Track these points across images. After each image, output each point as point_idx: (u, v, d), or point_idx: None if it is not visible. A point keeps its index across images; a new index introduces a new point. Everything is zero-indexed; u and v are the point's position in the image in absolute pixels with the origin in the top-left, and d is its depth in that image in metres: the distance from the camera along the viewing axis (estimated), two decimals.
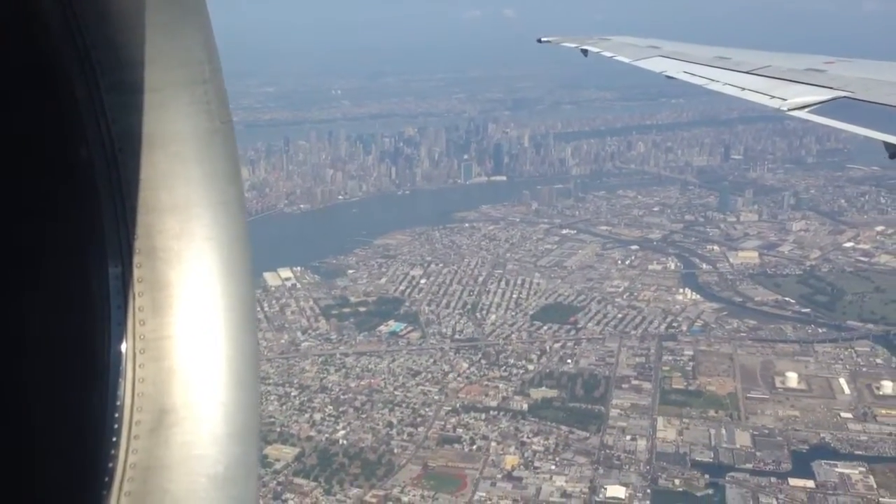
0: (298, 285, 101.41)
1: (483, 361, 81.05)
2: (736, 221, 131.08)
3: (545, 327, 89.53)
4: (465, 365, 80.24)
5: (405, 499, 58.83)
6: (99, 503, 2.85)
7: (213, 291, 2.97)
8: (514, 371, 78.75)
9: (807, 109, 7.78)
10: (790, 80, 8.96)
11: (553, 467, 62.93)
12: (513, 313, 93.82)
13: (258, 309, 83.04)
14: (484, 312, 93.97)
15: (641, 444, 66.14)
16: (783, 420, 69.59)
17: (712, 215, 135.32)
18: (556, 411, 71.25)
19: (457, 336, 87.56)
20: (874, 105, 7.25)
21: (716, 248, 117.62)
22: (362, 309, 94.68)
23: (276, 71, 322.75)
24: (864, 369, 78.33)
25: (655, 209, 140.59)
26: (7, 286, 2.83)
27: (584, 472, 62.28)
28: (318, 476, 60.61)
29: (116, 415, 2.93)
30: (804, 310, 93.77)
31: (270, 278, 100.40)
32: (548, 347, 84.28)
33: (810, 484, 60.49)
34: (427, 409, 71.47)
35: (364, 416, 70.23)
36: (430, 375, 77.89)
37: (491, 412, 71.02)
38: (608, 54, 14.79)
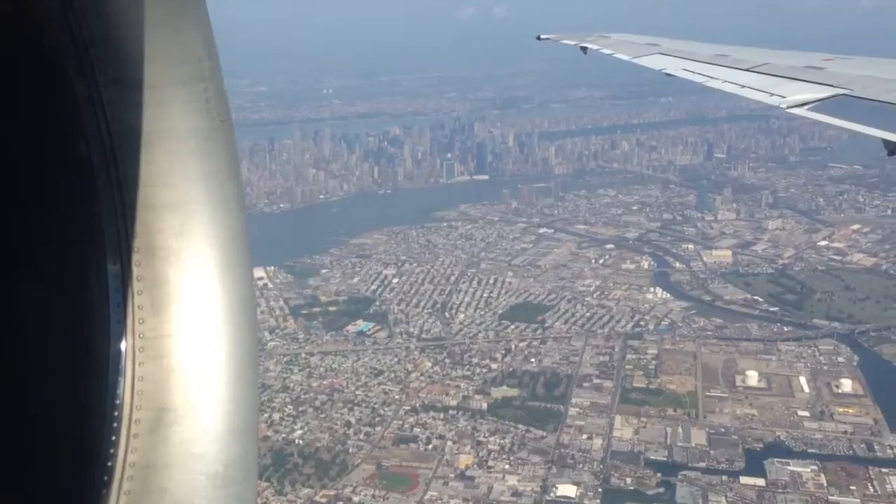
0: (270, 285, 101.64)
1: (447, 361, 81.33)
2: (713, 220, 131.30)
3: (512, 326, 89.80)
4: (429, 364, 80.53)
5: (356, 499, 59.15)
6: (98, 502, 2.84)
7: (213, 289, 2.97)
8: (478, 370, 79.04)
9: (806, 107, 7.83)
10: (789, 78, 9.01)
11: (507, 466, 63.22)
12: (482, 312, 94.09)
13: None
14: (453, 312, 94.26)
15: (597, 442, 66.43)
16: (740, 418, 69.87)
17: (690, 214, 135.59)
18: (516, 410, 71.53)
19: (424, 335, 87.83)
20: (873, 102, 7.29)
21: (690, 246, 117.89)
22: (332, 308, 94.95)
23: (269, 70, 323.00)
24: (826, 368, 78.63)
25: (634, 208, 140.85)
26: (6, 284, 2.83)
27: (537, 472, 62.58)
28: (270, 476, 60.84)
29: (116, 413, 2.92)
30: (772, 308, 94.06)
31: None
32: (513, 346, 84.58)
33: (761, 482, 60.80)
34: (386, 409, 71.77)
35: (323, 415, 70.52)
36: (392, 375, 78.20)
37: (450, 411, 71.31)
38: (607, 51, 14.84)
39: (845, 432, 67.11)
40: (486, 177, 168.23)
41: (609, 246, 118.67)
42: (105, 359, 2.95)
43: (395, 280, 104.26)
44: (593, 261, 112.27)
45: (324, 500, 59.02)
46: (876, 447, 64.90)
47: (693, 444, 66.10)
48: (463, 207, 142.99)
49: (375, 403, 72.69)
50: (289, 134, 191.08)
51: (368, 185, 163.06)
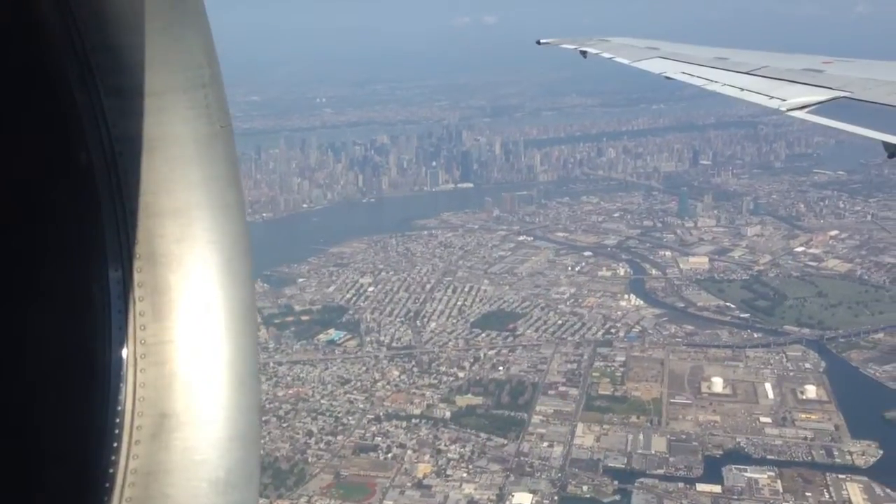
0: None
1: (415, 369, 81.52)
2: (693, 227, 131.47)
3: (483, 334, 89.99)
4: (397, 373, 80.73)
5: None
6: None
7: (214, 295, 2.97)
8: (444, 379, 79.20)
9: (806, 110, 7.79)
10: (789, 81, 8.96)
11: (465, 475, 63.34)
12: (454, 321, 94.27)
13: None
14: (425, 320, 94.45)
15: (557, 450, 66.54)
16: (702, 425, 69.97)
17: (671, 221, 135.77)
18: (479, 419, 71.66)
19: (394, 344, 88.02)
20: (873, 104, 7.26)
21: (668, 253, 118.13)
22: (305, 318, 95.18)
23: (263, 80, 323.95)
24: (792, 374, 78.72)
25: (616, 215, 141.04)
26: (8, 291, 2.82)
27: (494, 480, 62.69)
28: None
29: (117, 420, 2.93)
30: (743, 315, 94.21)
31: None
32: (482, 355, 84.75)
33: (717, 489, 60.88)
34: (350, 418, 71.93)
35: (286, 424, 70.66)
36: (359, 384, 78.39)
37: (413, 420, 71.43)
38: (607, 55, 14.75)
39: (805, 438, 67.20)
40: (471, 185, 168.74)
41: (587, 253, 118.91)
42: (107, 365, 2.96)
43: (370, 289, 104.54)
44: (570, 268, 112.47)
45: None
46: (835, 453, 65.00)
47: (653, 451, 66.21)
48: (445, 215, 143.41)
49: (339, 412, 72.85)
50: (277, 143, 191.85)
51: (352, 194, 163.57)
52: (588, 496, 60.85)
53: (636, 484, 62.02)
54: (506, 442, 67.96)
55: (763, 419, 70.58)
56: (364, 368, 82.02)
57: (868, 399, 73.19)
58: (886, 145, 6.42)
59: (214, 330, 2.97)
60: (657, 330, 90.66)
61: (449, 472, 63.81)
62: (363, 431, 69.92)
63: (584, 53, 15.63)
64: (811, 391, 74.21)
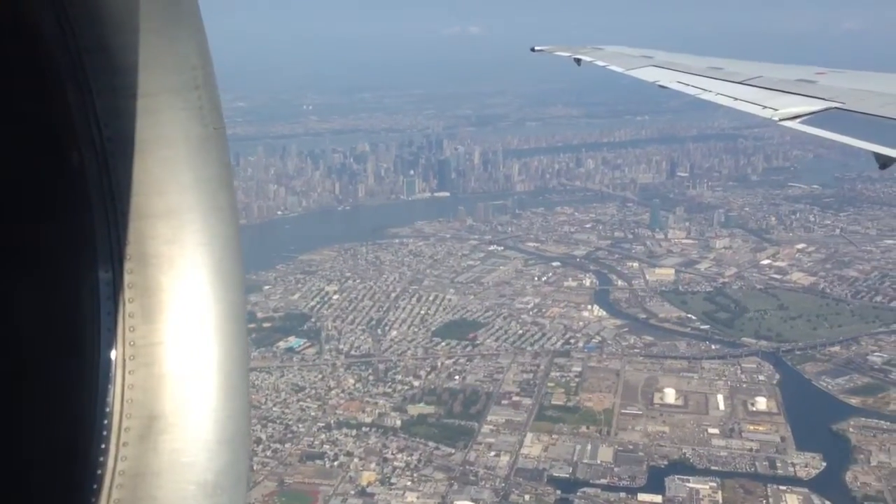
0: None
1: (371, 378, 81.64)
2: (663, 238, 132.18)
3: (443, 343, 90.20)
4: (352, 381, 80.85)
5: None
6: None
7: (205, 297, 2.95)
8: (399, 387, 79.35)
9: (798, 120, 7.79)
10: (782, 91, 8.95)
11: (409, 483, 63.47)
12: (415, 329, 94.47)
13: None
14: (387, 329, 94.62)
15: (504, 459, 66.74)
16: (650, 436, 70.31)
17: (641, 232, 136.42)
18: (430, 428, 71.81)
19: (353, 352, 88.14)
20: (865, 116, 7.27)
21: (635, 265, 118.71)
22: (266, 325, 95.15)
23: (252, 86, 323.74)
24: (745, 385, 79.21)
25: (588, 226, 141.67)
26: None
27: (438, 488, 62.84)
28: None
29: (105, 421, 2.89)
30: (703, 327, 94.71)
31: None
32: (439, 364, 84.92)
33: (658, 499, 61.13)
34: (300, 426, 71.98)
35: None
36: (313, 392, 78.45)
37: (363, 428, 71.55)
38: (601, 63, 14.69)
39: (751, 450, 67.63)
40: (447, 194, 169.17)
41: (555, 264, 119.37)
42: (95, 366, 2.93)
43: (335, 297, 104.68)
44: (536, 278, 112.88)
45: None
46: (778, 465, 65.43)
47: (599, 461, 66.47)
48: (418, 224, 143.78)
49: (290, 420, 72.88)
50: (262, 149, 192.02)
51: (328, 202, 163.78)
52: None
53: (578, 493, 62.25)
54: (453, 451, 68.11)
55: (711, 430, 70.99)
56: (320, 376, 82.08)
57: (817, 411, 73.74)
58: (877, 156, 6.41)
59: (204, 332, 2.95)
60: (616, 341, 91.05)
61: (393, 480, 63.92)
62: (312, 439, 69.97)
63: (578, 61, 15.68)
64: (761, 403, 74.68)
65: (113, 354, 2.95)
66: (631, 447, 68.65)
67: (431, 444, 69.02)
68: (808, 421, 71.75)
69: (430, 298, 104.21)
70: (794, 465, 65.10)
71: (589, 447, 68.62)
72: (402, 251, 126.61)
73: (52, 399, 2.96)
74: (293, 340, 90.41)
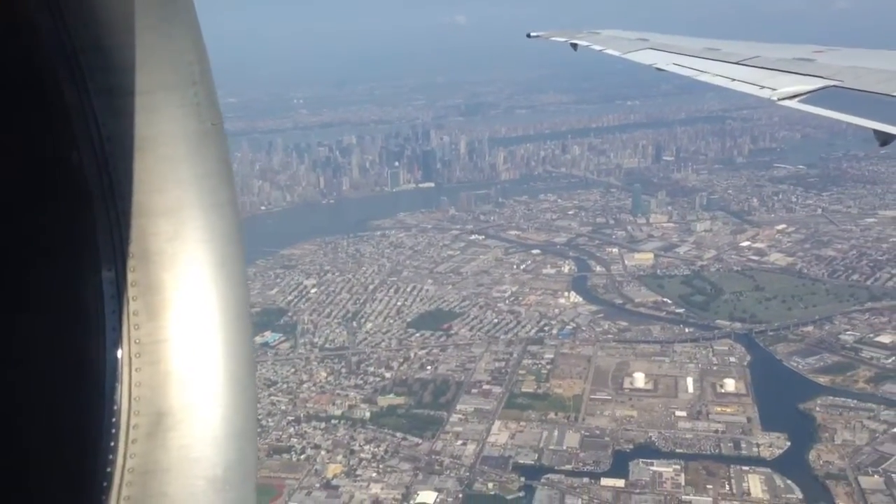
0: None
1: (343, 370, 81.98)
2: (645, 223, 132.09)
3: (418, 334, 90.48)
4: (324, 374, 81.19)
5: None
6: None
7: (208, 294, 2.97)
8: (371, 379, 79.67)
9: (797, 99, 7.72)
10: (780, 70, 8.87)
11: (374, 475, 63.86)
12: (391, 321, 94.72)
13: None
14: (362, 321, 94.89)
15: (470, 448, 67.05)
16: (618, 420, 70.53)
17: (624, 217, 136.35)
18: (399, 418, 72.15)
19: (327, 345, 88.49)
20: (863, 93, 7.21)
21: (615, 250, 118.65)
22: None
23: (244, 80, 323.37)
24: (716, 368, 79.32)
25: (570, 212, 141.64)
26: (0, 293, 2.82)
27: (403, 479, 63.19)
28: None
29: (113, 419, 2.93)
30: (678, 310, 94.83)
31: None
32: (412, 354, 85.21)
33: (621, 483, 61.40)
34: (270, 420, 72.39)
35: None
36: (285, 386, 78.85)
37: (332, 421, 71.95)
38: (598, 48, 14.55)
39: (717, 431, 67.87)
40: (432, 184, 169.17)
41: (535, 251, 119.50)
42: (102, 365, 2.96)
43: (313, 290, 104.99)
44: (515, 266, 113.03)
45: None
46: (743, 445, 65.66)
47: (564, 448, 66.76)
48: (401, 216, 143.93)
49: (260, 415, 73.15)
50: (247, 144, 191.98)
51: (312, 196, 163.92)
52: (492, 493, 61.30)
53: (542, 480, 62.52)
54: (420, 441, 68.42)
55: (678, 413, 71.21)
56: (293, 370, 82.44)
57: (786, 392, 73.82)
58: (877, 133, 6.33)
59: (209, 328, 2.98)
60: (591, 327, 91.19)
61: (359, 472, 64.31)
62: (280, 433, 70.42)
63: (574, 46, 15.55)
64: (730, 385, 74.84)
65: (119, 353, 2.98)
66: (598, 432, 68.91)
67: (399, 434, 69.36)
68: (775, 401, 71.87)
69: (408, 290, 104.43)
70: (758, 445, 65.32)
71: (556, 433, 68.89)
72: (382, 243, 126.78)
73: (61, 399, 2.99)
74: (269, 335, 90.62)
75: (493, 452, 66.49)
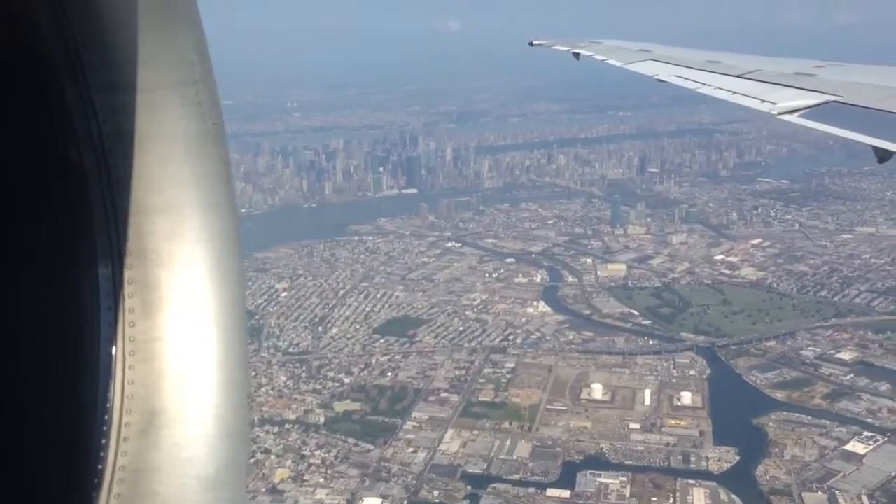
0: None
1: (303, 375, 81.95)
2: (622, 234, 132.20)
3: (382, 340, 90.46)
4: (284, 378, 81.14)
5: None
6: None
7: (204, 293, 2.96)
8: (329, 384, 79.66)
9: (797, 114, 7.75)
10: (780, 84, 8.90)
11: (321, 480, 63.81)
12: (357, 327, 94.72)
13: None
14: (329, 326, 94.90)
15: (420, 456, 67.01)
16: (571, 431, 70.55)
17: (602, 228, 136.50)
18: (353, 424, 72.12)
19: (291, 349, 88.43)
20: (863, 109, 7.24)
21: (589, 261, 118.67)
22: None
23: (239, 83, 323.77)
24: (675, 381, 79.35)
25: (550, 222, 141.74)
26: None
27: (349, 485, 63.17)
28: None
29: (106, 417, 2.91)
30: (645, 322, 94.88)
31: None
32: (374, 360, 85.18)
33: (566, 494, 61.41)
34: None
35: None
36: None
37: (286, 426, 71.89)
38: (599, 57, 14.57)
39: (668, 444, 67.86)
40: (415, 190, 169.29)
41: (510, 260, 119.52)
42: (96, 362, 2.95)
43: (283, 294, 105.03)
44: (488, 275, 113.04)
45: None
46: (692, 459, 65.67)
47: (515, 457, 66.74)
48: (380, 221, 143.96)
49: None
50: (234, 147, 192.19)
51: (294, 199, 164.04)
52: (437, 501, 61.26)
53: (489, 489, 62.49)
54: (371, 447, 68.39)
55: (632, 425, 71.21)
56: (253, 374, 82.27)
57: (742, 406, 73.87)
58: (876, 149, 6.34)
59: (204, 327, 2.97)
60: (555, 337, 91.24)
61: (306, 477, 64.29)
62: None
63: (576, 55, 15.54)
64: (686, 398, 74.88)
65: (113, 350, 2.97)
66: (549, 443, 68.91)
67: (351, 440, 69.34)
68: (730, 415, 71.92)
69: (378, 295, 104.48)
70: (707, 459, 65.34)
71: (508, 443, 68.90)
72: (358, 248, 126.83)
73: (53, 395, 2.98)
74: None
75: (443, 461, 66.48)
